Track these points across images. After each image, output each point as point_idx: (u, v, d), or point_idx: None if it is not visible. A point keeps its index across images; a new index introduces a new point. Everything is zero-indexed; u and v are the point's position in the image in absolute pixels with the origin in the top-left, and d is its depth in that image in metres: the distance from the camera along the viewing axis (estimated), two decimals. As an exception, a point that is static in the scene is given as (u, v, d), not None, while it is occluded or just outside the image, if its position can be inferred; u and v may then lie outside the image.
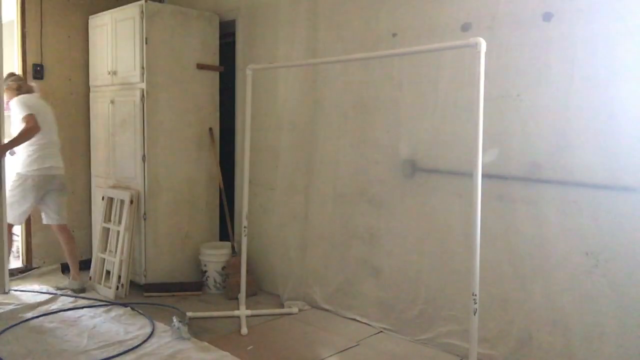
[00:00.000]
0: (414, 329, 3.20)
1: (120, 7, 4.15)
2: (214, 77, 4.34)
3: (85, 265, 4.43)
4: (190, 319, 3.43)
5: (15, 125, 3.77)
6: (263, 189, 4.14)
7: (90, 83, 4.54)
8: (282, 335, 3.32)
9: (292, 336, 3.30)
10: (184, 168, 4.19)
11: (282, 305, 3.77)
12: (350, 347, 3.12)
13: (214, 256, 4.10)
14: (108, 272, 4.08)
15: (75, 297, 3.90)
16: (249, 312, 3.54)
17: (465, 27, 2.93)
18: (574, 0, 2.56)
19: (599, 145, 2.51)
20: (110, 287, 3.93)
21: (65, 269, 4.49)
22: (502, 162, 2.81)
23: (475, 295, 2.31)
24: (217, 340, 3.17)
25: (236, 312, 3.53)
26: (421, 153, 3.19)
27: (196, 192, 4.28)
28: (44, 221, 4.01)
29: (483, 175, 2.33)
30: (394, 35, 3.26)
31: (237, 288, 3.77)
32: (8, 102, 3.80)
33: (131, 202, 3.99)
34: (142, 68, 3.93)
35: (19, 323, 3.36)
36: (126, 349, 3.03)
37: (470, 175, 2.35)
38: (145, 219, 4.02)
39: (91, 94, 4.55)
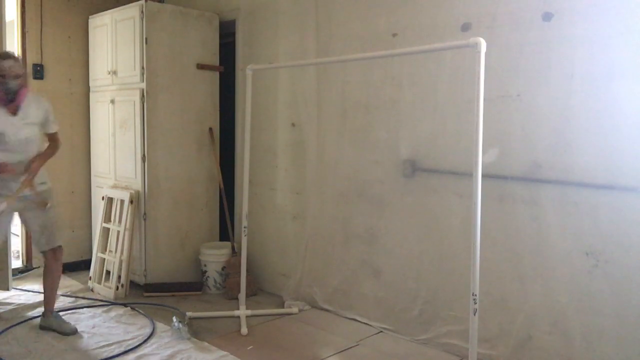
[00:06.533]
0: (414, 329, 3.20)
1: (120, 7, 4.15)
2: (214, 77, 4.34)
3: (85, 265, 4.44)
4: (190, 319, 3.43)
5: (27, 132, 3.06)
6: (263, 189, 4.14)
7: (90, 83, 4.54)
8: (282, 335, 3.32)
9: (292, 336, 3.29)
10: (184, 168, 4.19)
11: (282, 305, 3.77)
12: (350, 347, 3.12)
13: (214, 256, 4.10)
14: (108, 272, 4.08)
15: (75, 297, 3.90)
16: (249, 312, 3.54)
17: (465, 27, 2.93)
18: (574, 0, 2.56)
19: (599, 145, 2.50)
20: (110, 287, 3.93)
21: (64, 269, 4.47)
22: (502, 162, 2.81)
23: (475, 295, 2.31)
24: (217, 340, 3.18)
25: (236, 312, 3.53)
26: (421, 153, 3.19)
27: (196, 192, 4.28)
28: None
29: (483, 175, 2.33)
30: (394, 35, 3.26)
31: (237, 288, 3.77)
32: (22, 93, 3.01)
33: (131, 202, 3.99)
34: (142, 68, 3.93)
35: (19, 323, 3.36)
36: (126, 349, 3.03)
37: (470, 175, 2.35)
38: (145, 219, 4.02)
39: (91, 94, 4.55)
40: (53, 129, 3.25)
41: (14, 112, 3.02)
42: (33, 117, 3.10)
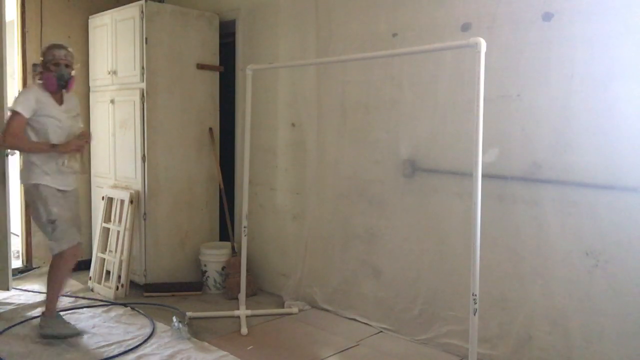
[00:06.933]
0: (414, 329, 3.20)
1: (120, 7, 4.15)
2: (214, 77, 4.34)
3: (85, 265, 4.43)
4: (190, 319, 3.43)
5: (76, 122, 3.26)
6: (263, 189, 4.14)
7: (90, 83, 4.54)
8: (282, 335, 3.32)
9: (292, 336, 3.30)
10: (184, 168, 4.19)
11: (282, 305, 3.77)
12: (350, 347, 3.12)
13: (214, 256, 4.10)
14: (108, 272, 4.08)
15: (76, 297, 3.90)
16: (249, 312, 3.54)
17: (465, 27, 2.93)
18: (574, 0, 2.56)
19: (599, 145, 2.51)
20: (110, 287, 3.93)
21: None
22: (502, 162, 2.81)
23: (475, 295, 2.31)
24: (217, 340, 3.18)
25: (236, 312, 3.53)
26: (421, 153, 3.19)
27: (196, 192, 4.28)
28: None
29: (483, 175, 2.33)
30: (394, 35, 3.26)
31: (237, 288, 3.77)
32: (72, 83, 3.18)
33: (131, 202, 3.99)
34: (142, 68, 3.93)
35: (19, 323, 3.36)
36: (126, 349, 3.03)
37: (470, 175, 2.35)
38: (145, 219, 4.02)
39: (91, 94, 4.55)
40: (80, 124, 3.38)
41: (60, 102, 3.14)
42: (72, 109, 3.24)
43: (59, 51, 3.09)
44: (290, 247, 3.96)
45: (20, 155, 3.20)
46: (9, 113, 3.07)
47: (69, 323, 3.25)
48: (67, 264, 3.21)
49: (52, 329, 3.14)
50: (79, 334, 3.20)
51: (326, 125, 3.67)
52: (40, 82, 3.12)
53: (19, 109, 2.98)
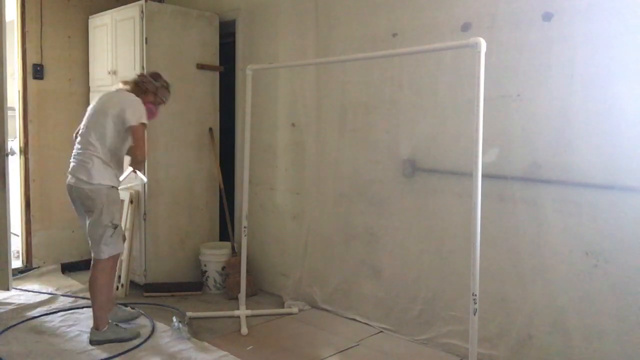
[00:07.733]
0: (414, 329, 3.20)
1: (120, 7, 4.15)
2: (214, 77, 4.34)
3: (85, 265, 4.43)
4: (190, 319, 3.43)
5: None
6: (263, 189, 4.14)
7: (90, 83, 4.54)
8: (282, 335, 3.32)
9: (292, 336, 3.30)
10: (184, 168, 4.19)
11: (282, 305, 3.77)
12: (350, 347, 3.12)
13: (214, 256, 4.10)
14: (108, 272, 4.07)
15: (75, 297, 3.90)
16: (249, 312, 3.54)
17: (465, 27, 2.93)
18: (574, 0, 2.56)
19: (599, 145, 2.51)
20: (110, 287, 3.93)
21: (64, 269, 4.49)
22: (502, 162, 2.81)
23: (475, 295, 2.32)
24: (217, 340, 3.18)
25: (236, 312, 3.53)
26: (421, 153, 3.19)
27: (196, 192, 4.28)
28: None
29: (483, 175, 2.33)
30: (394, 35, 3.26)
31: (237, 288, 3.77)
32: None
33: (131, 202, 3.99)
34: (142, 68, 3.93)
35: (19, 323, 3.36)
36: (126, 349, 3.03)
37: (470, 175, 2.35)
38: (145, 219, 4.02)
39: (91, 94, 4.54)
40: None
41: None
42: None
43: (169, 95, 3.33)
44: (290, 247, 3.96)
45: (93, 155, 3.06)
46: (134, 125, 3.02)
47: (124, 328, 3.23)
48: (112, 271, 3.18)
49: (111, 334, 3.11)
50: (138, 333, 3.21)
51: (326, 125, 3.67)
52: (137, 98, 3.15)
53: (145, 121, 3.09)
